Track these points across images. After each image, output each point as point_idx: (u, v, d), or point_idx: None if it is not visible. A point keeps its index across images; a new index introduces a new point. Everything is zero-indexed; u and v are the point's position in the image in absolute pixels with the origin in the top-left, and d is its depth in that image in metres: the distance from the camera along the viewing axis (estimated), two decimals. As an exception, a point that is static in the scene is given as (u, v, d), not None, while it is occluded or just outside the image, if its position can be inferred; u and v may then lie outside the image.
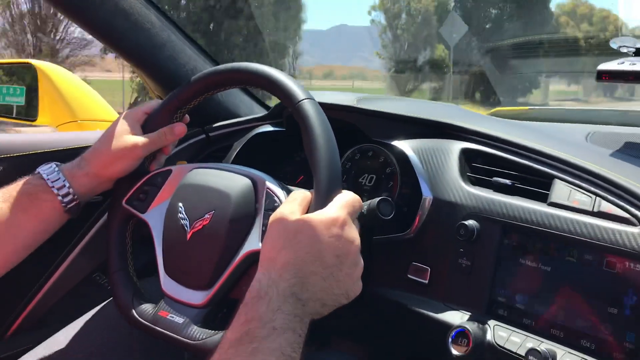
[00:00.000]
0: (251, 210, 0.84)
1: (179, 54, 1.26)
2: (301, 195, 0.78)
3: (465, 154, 1.02)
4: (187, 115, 1.03)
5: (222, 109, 1.40)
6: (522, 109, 1.47)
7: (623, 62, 0.94)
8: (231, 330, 0.67)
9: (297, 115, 0.82)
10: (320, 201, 0.76)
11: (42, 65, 1.76)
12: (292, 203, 0.77)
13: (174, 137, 0.99)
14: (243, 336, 0.65)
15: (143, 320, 0.87)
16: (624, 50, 0.97)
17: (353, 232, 0.74)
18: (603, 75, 0.95)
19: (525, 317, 0.87)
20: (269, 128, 1.27)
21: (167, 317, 0.85)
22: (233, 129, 1.35)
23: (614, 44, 0.98)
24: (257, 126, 1.28)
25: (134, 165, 0.96)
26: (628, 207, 0.81)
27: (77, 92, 1.82)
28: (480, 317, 0.89)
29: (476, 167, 1.01)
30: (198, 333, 0.81)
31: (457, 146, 1.03)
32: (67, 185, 0.92)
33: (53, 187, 0.91)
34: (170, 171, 0.96)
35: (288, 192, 0.84)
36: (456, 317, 0.92)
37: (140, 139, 0.95)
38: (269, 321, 0.65)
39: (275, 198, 0.84)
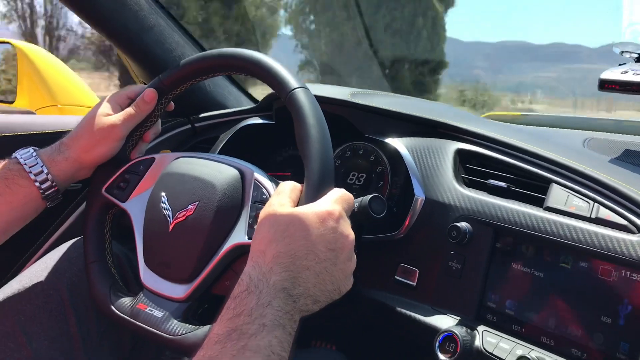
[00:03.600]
0: (238, 202, 0.81)
1: (166, 39, 1.22)
2: (290, 187, 0.75)
3: (460, 154, 0.99)
4: (172, 102, 0.99)
5: (210, 99, 1.37)
6: (517, 114, 1.46)
7: (627, 72, 0.91)
8: (219, 324, 0.63)
9: (290, 105, 0.78)
10: (311, 194, 0.73)
11: (22, 45, 1.69)
12: (282, 195, 0.73)
13: (148, 106, 0.94)
14: (231, 332, 0.61)
15: (120, 314, 0.83)
16: (627, 55, 0.95)
17: (348, 227, 0.72)
18: (606, 85, 0.92)
19: (516, 323, 0.84)
20: (257, 120, 1.23)
21: (146, 310, 0.81)
22: (220, 120, 1.32)
23: (616, 49, 0.96)
24: (245, 118, 1.25)
25: (115, 148, 0.93)
26: (627, 214, 0.78)
27: (58, 76, 1.75)
28: (469, 322, 0.87)
29: (471, 168, 0.98)
30: (178, 328, 0.77)
31: (452, 146, 1.00)
32: (45, 171, 0.88)
33: (30, 172, 0.88)
34: (153, 159, 0.92)
35: (277, 184, 0.81)
36: (444, 322, 0.89)
37: (117, 117, 0.92)
38: (258, 317, 0.62)
39: (264, 190, 0.80)
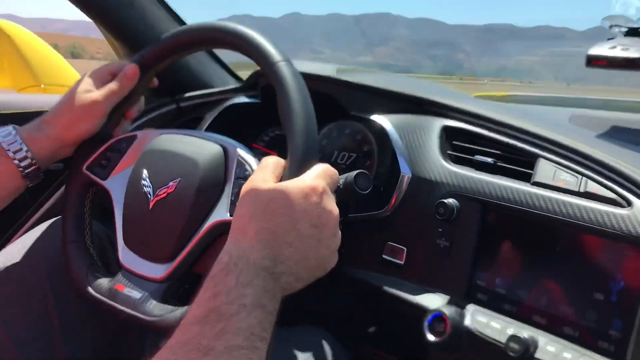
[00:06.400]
0: (220, 179, 0.79)
1: (148, 15, 1.19)
2: (274, 162, 0.73)
3: (446, 131, 0.98)
4: (155, 78, 0.96)
5: (195, 79, 1.34)
6: (504, 94, 1.44)
7: (615, 47, 0.88)
8: (196, 305, 0.60)
9: (273, 78, 0.76)
10: (295, 169, 0.71)
11: (2, 24, 1.65)
12: (264, 170, 0.71)
13: (130, 82, 0.92)
14: (209, 313, 0.58)
15: (98, 295, 0.81)
16: (616, 29, 0.93)
17: (332, 202, 0.69)
18: (593, 61, 0.90)
19: (506, 302, 0.83)
20: (243, 100, 1.21)
21: (124, 291, 0.79)
22: (206, 100, 1.29)
23: (605, 22, 0.95)
24: (231, 97, 1.22)
25: (97, 125, 0.90)
26: (616, 187, 0.77)
27: (41, 55, 1.71)
28: (458, 301, 0.86)
29: (457, 145, 0.97)
30: (156, 309, 0.75)
31: (439, 123, 0.99)
32: (25, 149, 0.86)
33: (9, 150, 0.85)
34: (135, 137, 0.90)
35: (260, 159, 0.78)
36: (433, 301, 0.88)
37: (99, 93, 0.89)
38: (238, 297, 0.59)
39: (247, 166, 0.78)
